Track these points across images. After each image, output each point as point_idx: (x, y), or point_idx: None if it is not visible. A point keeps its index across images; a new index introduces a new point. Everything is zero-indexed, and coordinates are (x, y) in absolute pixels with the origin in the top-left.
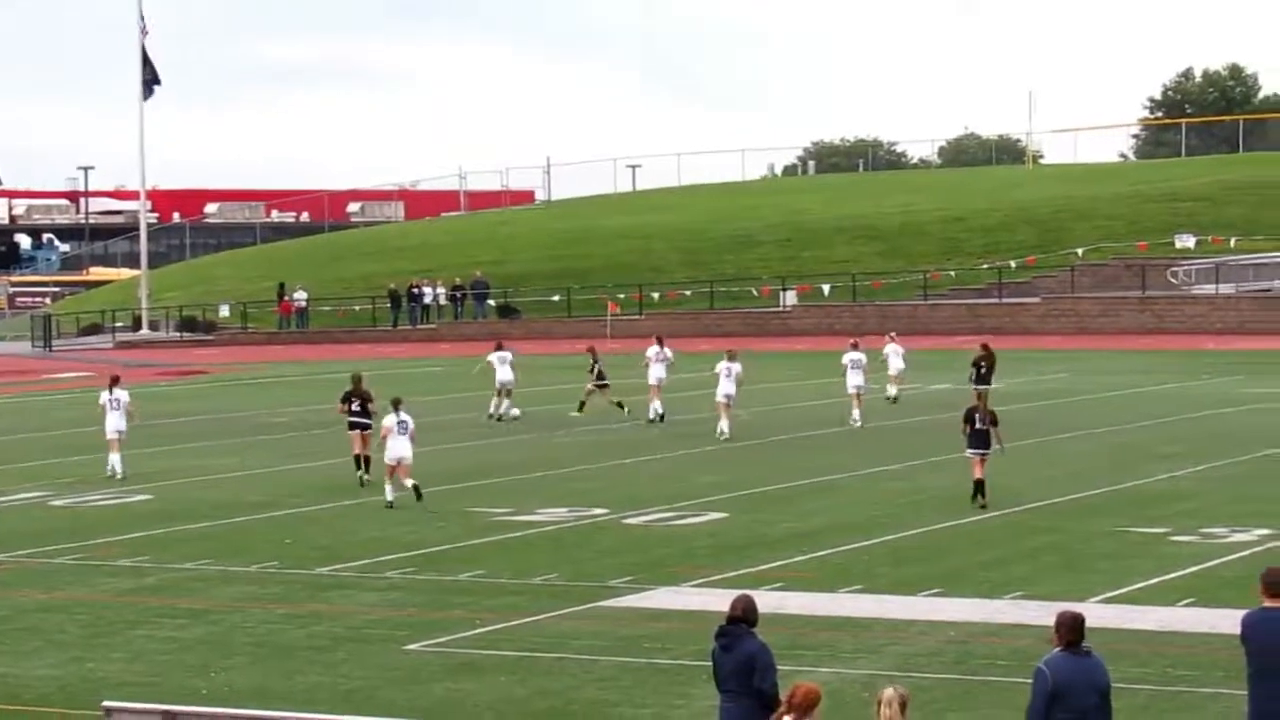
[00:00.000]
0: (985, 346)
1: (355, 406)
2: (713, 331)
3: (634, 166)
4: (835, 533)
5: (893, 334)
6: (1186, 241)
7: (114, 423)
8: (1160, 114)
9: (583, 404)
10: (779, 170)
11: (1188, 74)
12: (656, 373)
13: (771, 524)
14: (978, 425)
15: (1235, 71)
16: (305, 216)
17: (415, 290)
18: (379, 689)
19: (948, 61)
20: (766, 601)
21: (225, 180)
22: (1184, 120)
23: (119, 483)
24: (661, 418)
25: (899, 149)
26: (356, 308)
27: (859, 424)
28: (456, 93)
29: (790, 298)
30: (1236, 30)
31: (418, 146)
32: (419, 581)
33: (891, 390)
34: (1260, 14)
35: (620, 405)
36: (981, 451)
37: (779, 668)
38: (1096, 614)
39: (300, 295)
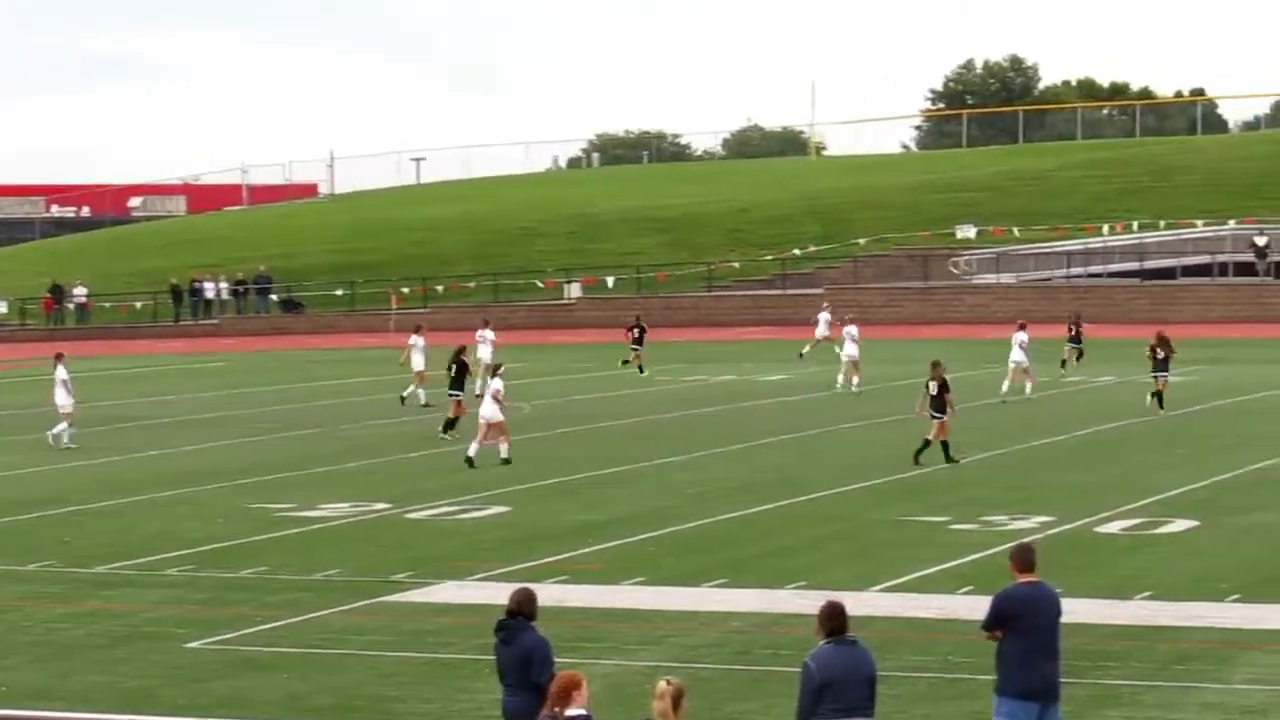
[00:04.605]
0: (1161, 334)
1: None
2: (499, 324)
3: (418, 159)
4: (621, 524)
5: (846, 317)
6: (968, 232)
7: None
8: (942, 105)
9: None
10: (563, 162)
11: (969, 65)
12: (417, 361)
13: (557, 516)
14: (933, 392)
15: (1016, 62)
16: (86, 211)
17: (197, 285)
18: (159, 688)
19: (730, 52)
20: (549, 594)
21: (3, 175)
22: (965, 111)
23: None
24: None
25: (683, 141)
26: (138, 304)
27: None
28: (237, 86)
29: (575, 290)
30: (1017, 21)
31: (199, 140)
32: (201, 578)
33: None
34: (1040, 5)
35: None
36: (939, 415)
37: (562, 660)
38: (878, 602)
39: (80, 291)
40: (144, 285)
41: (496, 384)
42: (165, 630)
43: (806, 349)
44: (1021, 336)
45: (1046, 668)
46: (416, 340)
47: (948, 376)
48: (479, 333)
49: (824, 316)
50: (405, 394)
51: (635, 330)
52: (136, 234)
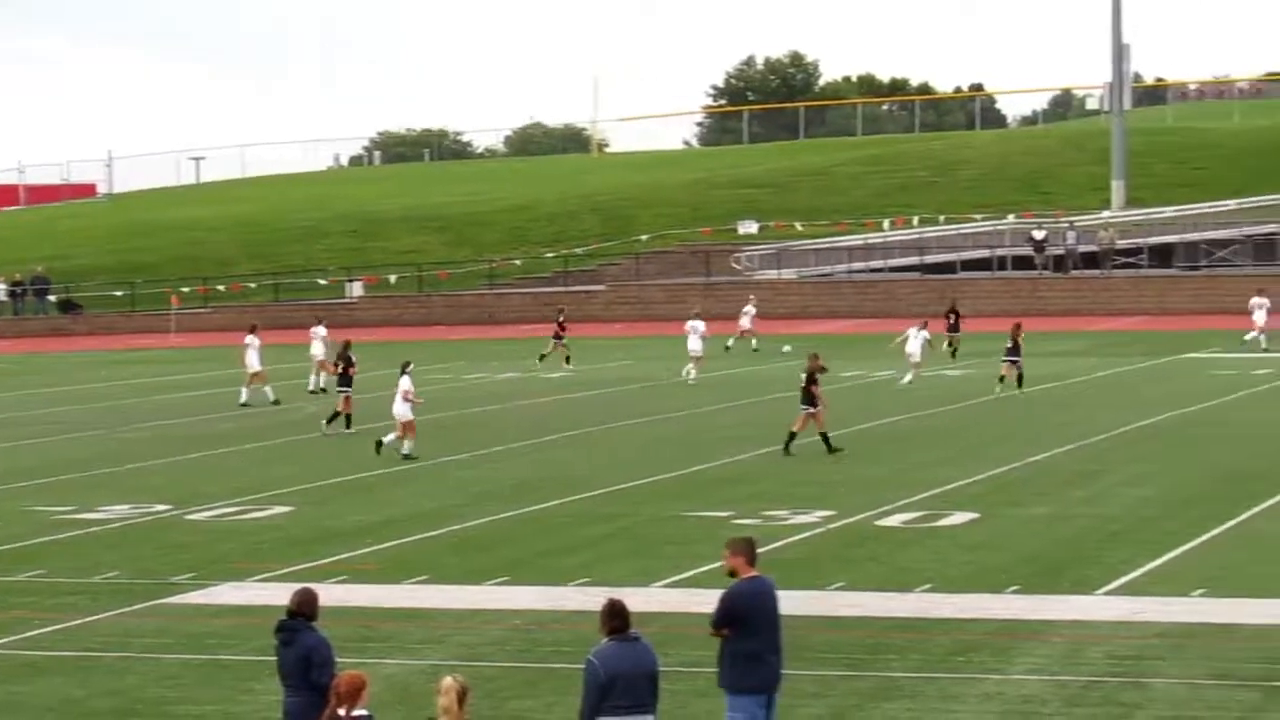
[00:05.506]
0: (1018, 326)
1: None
2: (279, 323)
3: (197, 159)
4: (403, 524)
5: (694, 311)
6: (750, 228)
7: None
8: (724, 101)
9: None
10: (345, 161)
11: (750, 61)
12: (252, 361)
13: (339, 516)
14: (806, 384)
15: (796, 59)
16: None
17: None
18: None
19: (512, 49)
20: (331, 595)
21: None
22: (747, 107)
23: None
24: (276, 402)
25: (465, 139)
26: None
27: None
28: (13, 84)
29: (356, 289)
30: (797, 18)
31: None
32: None
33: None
34: (819, 2)
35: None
36: (808, 409)
37: (345, 660)
38: (661, 598)
39: None
40: None
41: (405, 382)
42: None
43: (731, 342)
44: (924, 334)
45: (775, 660)
46: (252, 340)
47: (821, 370)
48: (313, 329)
49: (749, 310)
50: (245, 396)
51: (558, 323)
52: None
